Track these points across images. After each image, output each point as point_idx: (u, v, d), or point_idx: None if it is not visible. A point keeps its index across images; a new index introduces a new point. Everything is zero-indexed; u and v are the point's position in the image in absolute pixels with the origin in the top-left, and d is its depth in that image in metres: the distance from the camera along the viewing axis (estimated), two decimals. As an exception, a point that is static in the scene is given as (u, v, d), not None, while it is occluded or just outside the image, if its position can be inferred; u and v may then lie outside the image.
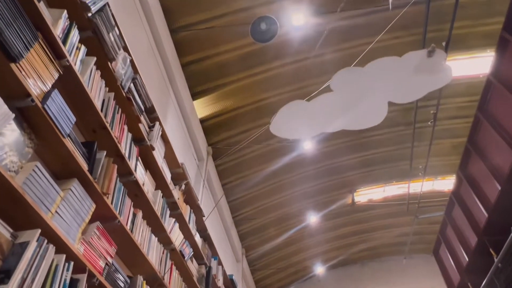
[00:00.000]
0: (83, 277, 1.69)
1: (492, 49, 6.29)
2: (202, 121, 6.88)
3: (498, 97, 4.54)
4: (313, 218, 9.66)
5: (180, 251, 3.15)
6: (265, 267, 10.83)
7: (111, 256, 2.06)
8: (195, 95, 6.48)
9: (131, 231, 2.34)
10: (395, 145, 8.67)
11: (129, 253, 2.40)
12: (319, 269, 11.59)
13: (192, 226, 3.57)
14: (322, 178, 8.99)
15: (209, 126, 7.08)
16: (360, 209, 10.34)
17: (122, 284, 2.17)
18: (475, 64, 7.11)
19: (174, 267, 2.99)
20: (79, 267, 1.73)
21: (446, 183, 9.65)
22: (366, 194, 10.11)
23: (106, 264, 2.01)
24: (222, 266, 4.66)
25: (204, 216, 4.06)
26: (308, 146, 7.54)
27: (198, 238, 3.75)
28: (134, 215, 2.46)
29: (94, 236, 1.94)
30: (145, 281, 2.43)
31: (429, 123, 6.65)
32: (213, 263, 4.19)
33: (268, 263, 10.77)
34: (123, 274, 2.19)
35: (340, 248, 11.51)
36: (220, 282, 4.41)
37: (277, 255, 10.69)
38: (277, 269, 11.04)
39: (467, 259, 5.62)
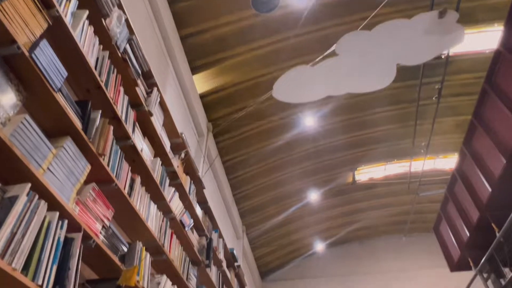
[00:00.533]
0: (78, 236, 1.62)
1: (500, 23, 6.10)
2: (201, 96, 6.75)
3: (506, 69, 4.40)
4: (313, 196, 9.67)
5: (180, 220, 3.10)
6: (266, 244, 10.91)
7: (108, 219, 1.99)
8: (194, 70, 6.33)
9: (129, 196, 2.27)
10: (397, 123, 8.57)
11: (127, 218, 2.34)
12: (319, 247, 11.69)
13: (192, 198, 3.52)
14: (322, 156, 8.93)
15: (209, 102, 6.95)
16: (360, 187, 10.34)
17: (120, 248, 2.11)
18: (482, 39, 6.92)
19: (174, 236, 2.94)
20: (74, 227, 1.66)
21: (448, 162, 9.60)
22: (367, 173, 10.08)
23: (103, 227, 1.95)
24: (223, 240, 4.64)
25: (204, 188, 4.00)
26: (309, 123, 7.44)
27: (198, 210, 3.71)
28: (132, 180, 2.39)
29: (90, 197, 1.86)
30: (144, 247, 2.38)
31: (433, 98, 6.52)
32: (214, 236, 4.16)
33: (269, 240, 10.85)
34: (122, 238, 2.13)
35: (340, 226, 11.57)
36: (221, 255, 4.39)
37: (277, 233, 10.75)
38: (277, 246, 11.13)
39: (468, 235, 5.60)
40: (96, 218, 1.90)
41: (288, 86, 2.62)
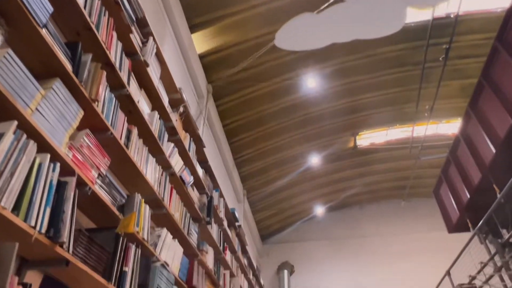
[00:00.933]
0: (72, 180, 1.57)
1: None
2: (201, 57, 6.54)
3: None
4: (314, 161, 9.67)
5: (180, 176, 3.06)
6: (266, 208, 11.06)
7: (104, 168, 1.93)
8: (193, 28, 6.08)
9: (126, 147, 2.20)
10: (401, 87, 8.38)
11: (124, 170, 2.29)
12: (319, 211, 11.85)
13: (192, 155, 3.46)
14: (324, 121, 8.82)
15: (209, 62, 6.74)
16: (361, 152, 10.31)
17: (118, 199, 2.07)
18: (493, -3, 6.60)
19: (174, 191, 2.91)
20: (67, 171, 1.60)
21: (451, 127, 9.50)
22: (368, 138, 10.01)
23: (99, 175, 1.90)
24: (224, 199, 4.65)
25: (204, 147, 3.94)
26: (311, 85, 7.27)
27: (199, 168, 3.66)
28: (129, 131, 2.31)
29: (84, 143, 1.79)
30: (143, 199, 2.35)
31: (440, 59, 6.31)
32: (215, 195, 4.15)
33: (269, 204, 10.98)
34: (119, 189, 2.09)
35: (340, 190, 11.67)
36: (222, 213, 4.41)
37: (278, 197, 10.87)
38: (278, 210, 11.29)
39: (468, 196, 5.61)
40: (92, 166, 1.83)
41: (291, 34, 2.47)
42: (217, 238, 4.08)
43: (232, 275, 4.57)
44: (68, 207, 1.51)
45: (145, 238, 2.28)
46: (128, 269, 1.95)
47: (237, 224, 5.36)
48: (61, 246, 1.46)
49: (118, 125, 2.14)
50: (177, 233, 2.89)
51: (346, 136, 9.67)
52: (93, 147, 1.86)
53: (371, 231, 11.95)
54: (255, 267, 7.02)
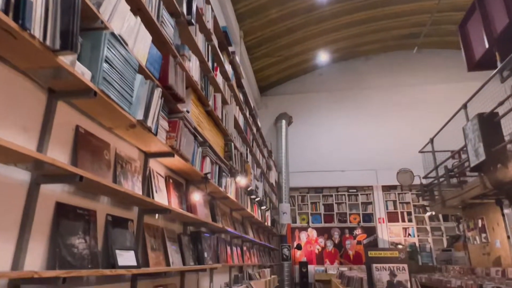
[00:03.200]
0: None
1: None
2: None
3: None
4: (322, -3, 8.33)
5: None
6: (265, 56, 10.19)
7: None
8: None
9: None
10: None
11: None
12: (323, 60, 11.03)
13: None
14: None
15: None
16: (378, -11, 8.86)
17: None
18: None
19: None
20: None
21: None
22: (388, -31, 8.42)
23: None
24: (212, 9, 3.75)
25: None
26: None
27: None
28: None
29: None
30: None
31: None
32: (198, -5, 3.23)
33: (268, 51, 10.08)
34: None
35: (347, 38, 10.61)
36: (209, 25, 3.58)
37: (278, 43, 9.88)
38: (279, 58, 10.44)
39: (508, 20, 4.71)
40: None
41: None
42: (204, 51, 3.36)
43: (224, 101, 4.06)
44: None
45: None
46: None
47: (230, 49, 4.59)
48: None
49: None
50: (141, 12, 2.11)
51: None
52: None
53: (376, 83, 11.39)
54: (252, 107, 6.61)
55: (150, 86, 2.05)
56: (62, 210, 1.59)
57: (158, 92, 2.14)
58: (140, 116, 1.93)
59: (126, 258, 1.87)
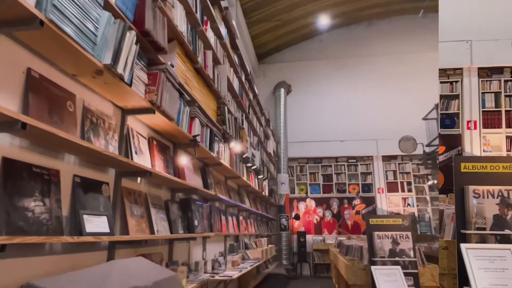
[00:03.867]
0: None
1: None
2: None
3: None
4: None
5: None
6: (263, 20, 9.68)
7: None
8: None
9: None
10: None
11: None
12: (323, 25, 10.51)
13: None
14: None
15: None
16: None
17: None
18: None
19: None
20: None
21: None
22: None
23: None
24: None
25: None
26: None
27: None
28: None
29: None
30: None
31: None
32: None
33: (267, 16, 9.56)
34: None
35: (348, 2, 10.06)
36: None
37: (277, 7, 9.35)
38: (277, 23, 9.93)
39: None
40: None
41: None
42: (192, 0, 3.01)
43: (217, 61, 3.74)
44: None
45: None
46: None
47: (223, 4, 4.21)
48: None
49: None
50: None
51: None
52: None
53: (378, 50, 10.92)
54: (249, 71, 6.26)
55: (120, 27, 1.74)
56: (10, 167, 1.33)
57: (131, 35, 1.83)
58: (107, 60, 1.63)
59: (96, 224, 1.64)
